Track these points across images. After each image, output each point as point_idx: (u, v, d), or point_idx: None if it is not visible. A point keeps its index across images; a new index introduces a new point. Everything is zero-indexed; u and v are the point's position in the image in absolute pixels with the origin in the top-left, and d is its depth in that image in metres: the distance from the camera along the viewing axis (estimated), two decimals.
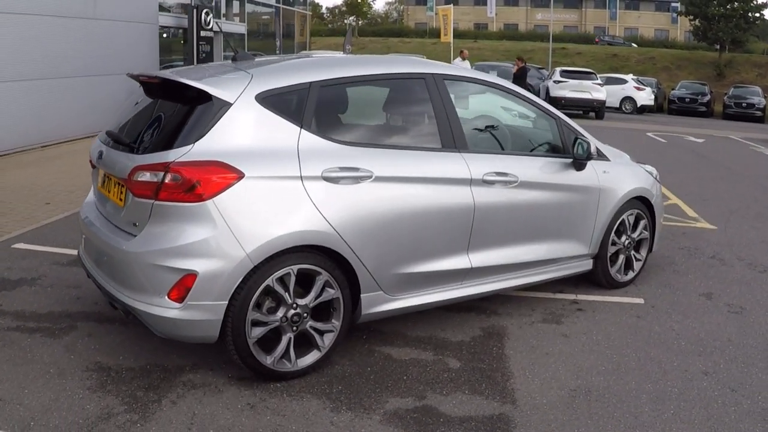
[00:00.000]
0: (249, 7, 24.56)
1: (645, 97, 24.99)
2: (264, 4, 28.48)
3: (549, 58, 35.80)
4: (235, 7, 23.39)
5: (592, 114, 20.73)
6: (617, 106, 24.54)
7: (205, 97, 3.17)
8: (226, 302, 3.05)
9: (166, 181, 3.02)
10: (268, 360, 3.22)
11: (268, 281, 3.14)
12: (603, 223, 4.62)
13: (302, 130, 3.29)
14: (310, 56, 4.31)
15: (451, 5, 30.72)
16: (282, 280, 3.19)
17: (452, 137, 3.79)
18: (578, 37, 52.20)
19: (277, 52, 20.22)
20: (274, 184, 3.15)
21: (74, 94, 10.81)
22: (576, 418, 3.10)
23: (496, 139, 4.26)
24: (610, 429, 3.02)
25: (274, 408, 3.08)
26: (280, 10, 30.72)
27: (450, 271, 3.81)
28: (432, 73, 3.84)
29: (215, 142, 3.09)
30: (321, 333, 3.39)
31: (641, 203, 4.94)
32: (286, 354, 3.27)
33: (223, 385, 3.26)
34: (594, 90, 20.31)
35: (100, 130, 3.79)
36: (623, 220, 4.79)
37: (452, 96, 3.87)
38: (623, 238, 4.85)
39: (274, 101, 3.26)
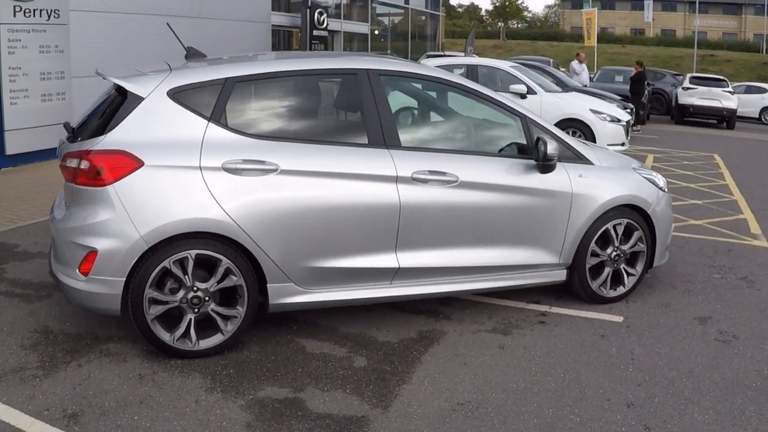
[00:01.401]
0: (375, 8, 24.76)
1: None
2: (392, 5, 28.68)
3: (693, 65, 32.66)
4: (359, 7, 23.65)
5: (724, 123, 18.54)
6: (756, 116, 21.63)
7: (125, 92, 3.34)
8: (124, 279, 3.18)
9: (81, 167, 3.22)
10: (167, 337, 3.30)
11: (165, 263, 3.22)
12: (577, 231, 4.13)
13: (210, 123, 3.33)
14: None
15: (595, 9, 29.13)
16: (181, 263, 3.27)
17: (381, 133, 3.62)
18: (737, 45, 46.99)
19: (388, 52, 20.09)
20: (172, 173, 3.23)
21: None
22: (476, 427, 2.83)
23: (443, 136, 3.98)
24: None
25: (158, 381, 3.15)
26: (409, 12, 30.76)
27: (375, 269, 3.64)
28: (366, 69, 3.68)
29: (125, 133, 3.24)
30: (226, 318, 3.41)
31: (636, 213, 4.35)
32: (186, 334, 3.34)
33: (133, 356, 3.40)
34: (724, 98, 18.10)
35: None
36: (607, 229, 4.25)
37: (391, 93, 3.71)
38: (609, 249, 4.30)
39: (186, 96, 3.34)
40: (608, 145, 10.15)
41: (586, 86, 15.32)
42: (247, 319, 3.43)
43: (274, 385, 3.17)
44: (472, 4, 73.49)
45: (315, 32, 18.87)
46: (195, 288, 3.30)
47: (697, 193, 8.23)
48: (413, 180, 3.62)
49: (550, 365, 3.48)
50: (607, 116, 10.17)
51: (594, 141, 10.12)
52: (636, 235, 4.37)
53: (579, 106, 10.33)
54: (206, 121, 3.33)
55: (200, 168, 3.25)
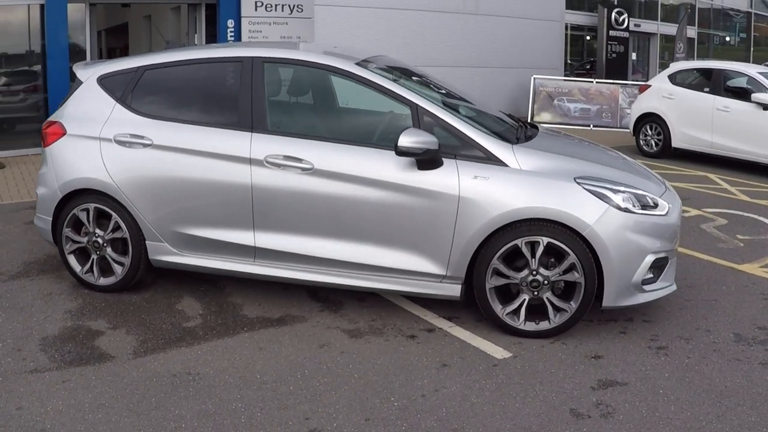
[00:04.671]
0: (704, 11, 21.26)
1: None
2: (728, 9, 24.31)
3: None
4: (684, 9, 20.61)
5: None
6: None
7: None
8: (51, 218, 4.05)
9: (42, 132, 4.23)
10: (78, 270, 4.04)
11: (74, 211, 3.96)
12: (467, 241, 3.36)
13: (117, 103, 3.93)
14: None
15: None
16: (87, 213, 3.97)
17: (250, 117, 3.65)
18: None
19: (678, 54, 16.63)
20: (80, 141, 3.94)
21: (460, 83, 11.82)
22: (140, 395, 2.90)
23: (317, 124, 3.69)
24: (154, 412, 2.77)
25: (53, 300, 3.90)
26: (751, 16, 25.61)
27: (235, 244, 3.71)
28: (251, 57, 3.75)
29: (68, 109, 4.11)
30: (118, 263, 3.99)
31: (568, 232, 3.29)
32: (91, 270, 4.04)
33: (69, 282, 4.17)
34: None
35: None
36: (517, 246, 3.34)
37: (269, 79, 3.70)
38: (524, 272, 3.37)
39: (108, 81, 4.01)
40: None
41: None
42: (132, 266, 3.93)
43: (105, 320, 3.63)
44: None
45: (611, 33, 17.26)
46: (95, 234, 3.98)
47: None
48: (266, 163, 3.57)
49: (321, 375, 3.06)
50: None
51: None
52: (568, 260, 3.31)
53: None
54: (114, 102, 3.95)
55: (99, 139, 3.90)
